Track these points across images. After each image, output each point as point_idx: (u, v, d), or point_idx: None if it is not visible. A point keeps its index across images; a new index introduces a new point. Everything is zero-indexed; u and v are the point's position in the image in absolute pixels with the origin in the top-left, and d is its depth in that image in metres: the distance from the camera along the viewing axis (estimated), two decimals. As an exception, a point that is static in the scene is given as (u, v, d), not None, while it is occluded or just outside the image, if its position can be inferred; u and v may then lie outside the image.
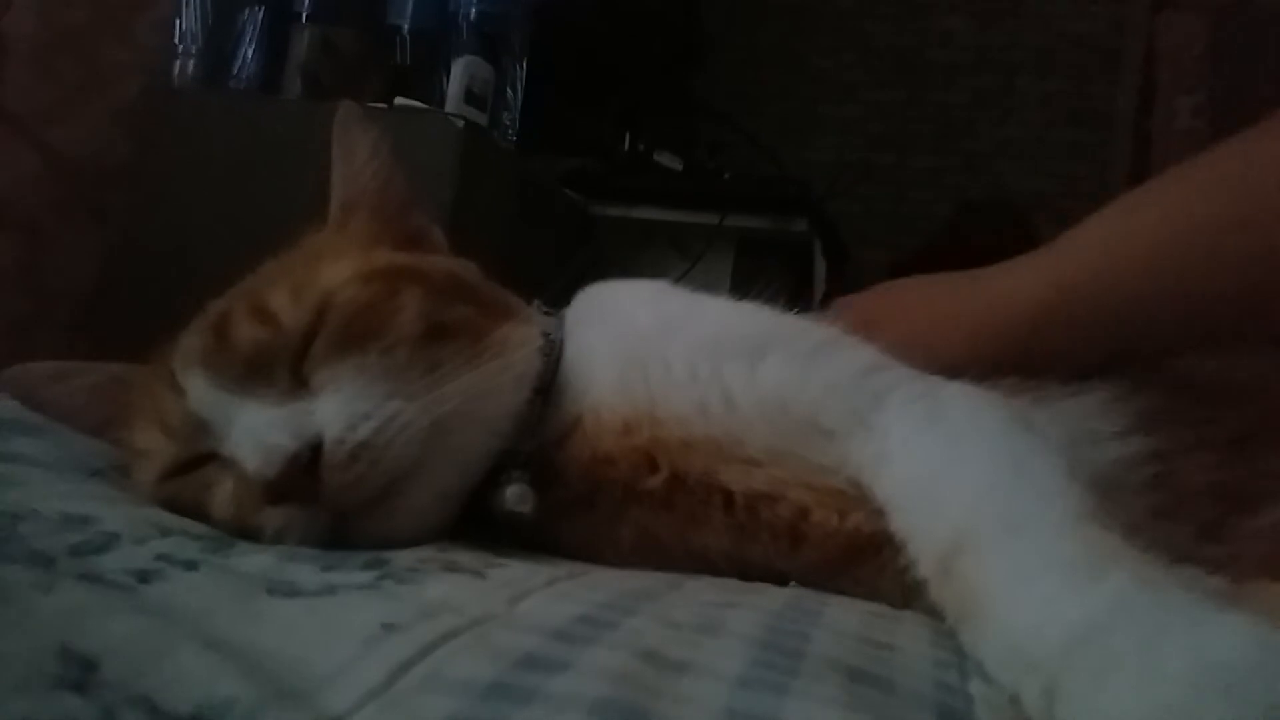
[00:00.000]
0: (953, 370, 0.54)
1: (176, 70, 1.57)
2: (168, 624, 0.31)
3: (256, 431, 0.46)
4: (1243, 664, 0.29)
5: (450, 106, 1.52)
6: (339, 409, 0.46)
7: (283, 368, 0.49)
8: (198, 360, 0.50)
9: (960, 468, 0.44)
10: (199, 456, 0.50)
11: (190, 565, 0.38)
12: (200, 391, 0.49)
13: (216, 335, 0.51)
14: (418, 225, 0.62)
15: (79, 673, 0.27)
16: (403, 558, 0.43)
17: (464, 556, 0.45)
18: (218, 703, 0.26)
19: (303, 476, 0.45)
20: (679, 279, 0.63)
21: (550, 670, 0.29)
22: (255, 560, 0.41)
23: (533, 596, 0.38)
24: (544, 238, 1.66)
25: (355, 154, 0.60)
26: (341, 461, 0.45)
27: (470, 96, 1.54)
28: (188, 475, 0.50)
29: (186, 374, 0.50)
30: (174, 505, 0.49)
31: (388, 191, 0.61)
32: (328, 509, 0.46)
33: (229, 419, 0.48)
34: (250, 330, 0.50)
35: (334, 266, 0.54)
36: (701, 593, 0.43)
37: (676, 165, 2.04)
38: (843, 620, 0.40)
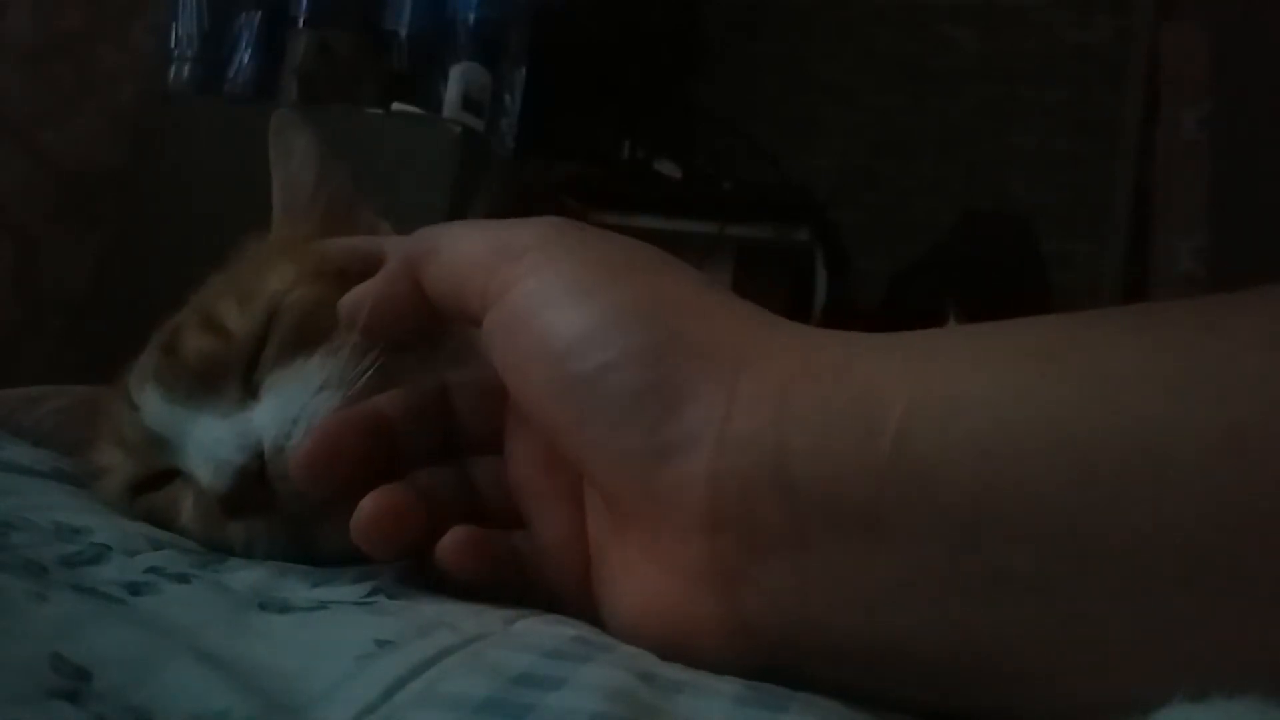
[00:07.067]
0: None
1: (172, 75, 1.57)
2: (161, 636, 0.30)
3: (206, 446, 0.45)
4: None
5: (448, 112, 1.52)
6: (273, 415, 0.45)
7: (234, 378, 0.48)
8: (150, 375, 0.49)
9: None
10: (162, 472, 0.49)
11: (182, 579, 0.38)
12: (153, 407, 0.48)
13: (166, 350, 0.50)
14: (367, 221, 0.60)
15: (72, 683, 0.26)
16: (394, 573, 0.42)
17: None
18: (211, 715, 0.26)
19: (258, 488, 0.44)
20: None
21: (546, 687, 0.29)
22: (247, 575, 0.41)
23: (529, 617, 0.38)
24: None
25: (291, 157, 0.58)
26: (283, 470, 0.43)
27: (468, 102, 1.54)
28: (158, 491, 0.49)
29: (140, 390, 0.50)
30: (152, 520, 0.49)
31: (328, 189, 0.59)
32: (285, 517, 0.45)
33: (183, 433, 0.47)
34: (198, 342, 0.49)
35: (279, 270, 0.52)
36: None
37: (676, 173, 2.05)
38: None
